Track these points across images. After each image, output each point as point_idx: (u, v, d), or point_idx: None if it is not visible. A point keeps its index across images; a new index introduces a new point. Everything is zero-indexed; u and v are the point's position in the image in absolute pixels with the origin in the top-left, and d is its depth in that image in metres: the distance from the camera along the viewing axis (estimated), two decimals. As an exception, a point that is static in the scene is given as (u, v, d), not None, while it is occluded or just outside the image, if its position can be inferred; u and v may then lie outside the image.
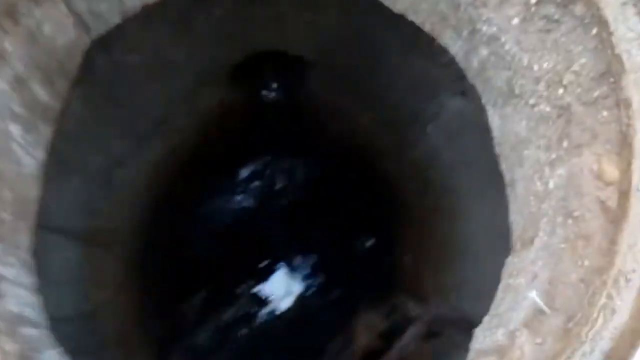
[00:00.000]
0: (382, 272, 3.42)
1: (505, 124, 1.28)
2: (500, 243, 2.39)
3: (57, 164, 1.97)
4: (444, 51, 2.11)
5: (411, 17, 1.40)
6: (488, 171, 2.31)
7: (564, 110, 1.08)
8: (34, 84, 1.48)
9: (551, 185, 1.11)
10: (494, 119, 1.34)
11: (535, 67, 1.12)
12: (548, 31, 1.08)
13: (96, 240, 2.84)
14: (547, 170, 1.13)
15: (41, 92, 1.53)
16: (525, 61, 1.15)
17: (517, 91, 1.20)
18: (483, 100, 1.37)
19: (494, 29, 1.19)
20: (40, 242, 1.75)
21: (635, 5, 0.91)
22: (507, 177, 1.34)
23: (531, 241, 1.17)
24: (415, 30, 2.09)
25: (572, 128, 1.04)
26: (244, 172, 3.81)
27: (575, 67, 1.03)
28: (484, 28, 1.21)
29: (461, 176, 2.46)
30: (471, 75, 1.37)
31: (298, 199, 3.76)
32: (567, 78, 1.04)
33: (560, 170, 1.08)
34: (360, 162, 3.27)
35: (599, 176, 0.97)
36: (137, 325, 3.22)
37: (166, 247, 3.63)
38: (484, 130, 2.25)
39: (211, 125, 3.04)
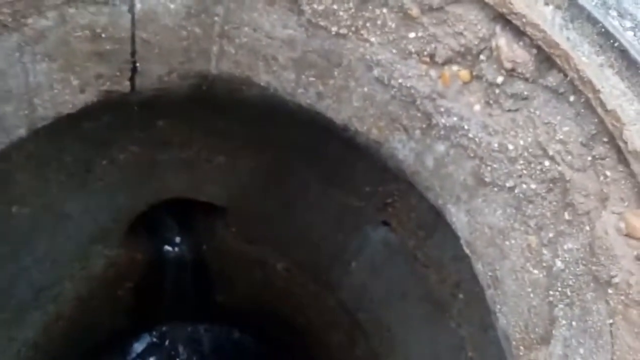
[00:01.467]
0: None
1: (475, 219, 1.16)
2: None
3: None
4: (365, 180, 2.05)
5: (356, 124, 1.31)
6: (422, 299, 2.15)
7: (555, 182, 0.99)
8: None
9: (559, 264, 0.96)
10: (459, 217, 1.22)
11: (510, 147, 1.05)
12: (517, 110, 1.04)
13: None
14: (545, 252, 0.99)
15: None
16: (494, 144, 1.08)
17: (487, 179, 1.11)
18: (440, 201, 1.25)
19: (454, 119, 1.13)
20: None
21: (611, 66, 0.90)
22: (486, 278, 1.17)
23: (544, 339, 0.97)
24: (334, 162, 2.02)
25: (573, 197, 0.94)
26: (137, 347, 3.17)
27: (560, 136, 0.97)
28: (442, 121, 1.15)
29: (393, 310, 2.25)
30: (424, 177, 1.27)
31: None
32: (553, 148, 0.98)
33: (569, 245, 0.95)
34: (276, 318, 2.91)
35: (630, 234, 0.85)
36: None
37: None
38: (411, 256, 2.13)
39: (101, 290, 2.55)
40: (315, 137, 1.91)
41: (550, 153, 0.99)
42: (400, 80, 1.17)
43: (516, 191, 1.07)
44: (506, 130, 1.07)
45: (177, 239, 2.65)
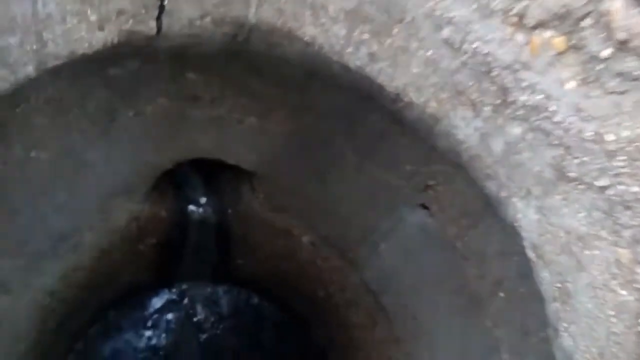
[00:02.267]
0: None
1: (548, 219, 0.95)
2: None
3: None
4: (408, 155, 1.83)
5: (411, 94, 1.09)
6: (456, 292, 1.95)
7: (667, 188, 0.77)
8: None
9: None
10: (527, 215, 1.01)
11: (609, 137, 0.82)
12: (625, 92, 0.80)
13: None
14: (638, 269, 0.78)
15: None
16: (588, 133, 0.85)
17: (572, 173, 0.88)
18: (504, 193, 1.03)
19: (538, 97, 0.90)
20: None
21: None
22: (552, 289, 0.97)
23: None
24: (376, 134, 1.81)
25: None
26: (157, 302, 3.10)
27: (679, 131, 0.74)
28: (522, 98, 0.92)
29: (423, 300, 2.06)
30: (486, 163, 1.05)
31: (222, 333, 3.08)
32: (668, 146, 0.75)
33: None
34: (296, 290, 2.77)
35: None
36: None
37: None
38: (449, 245, 1.92)
39: (122, 243, 2.44)
40: (358, 106, 1.70)
41: None
42: (475, 45, 0.94)
43: (609, 192, 0.85)
44: (607, 116, 0.84)
45: (203, 200, 2.50)
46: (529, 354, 1.57)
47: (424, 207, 1.95)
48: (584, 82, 0.85)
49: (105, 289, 2.77)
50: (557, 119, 0.90)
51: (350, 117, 1.79)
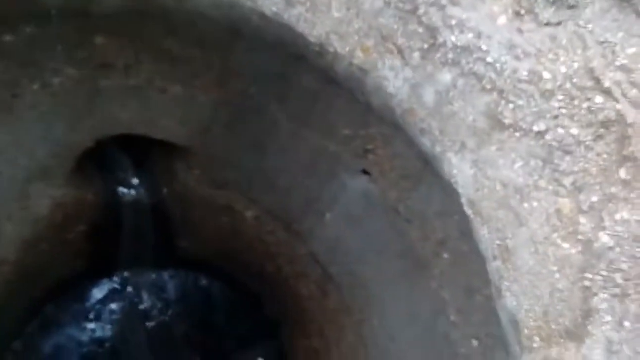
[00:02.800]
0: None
1: (484, 173, 0.86)
2: (426, 342, 1.91)
3: None
4: (344, 119, 1.72)
5: (335, 44, 0.96)
6: (401, 256, 1.89)
7: (610, 125, 0.68)
8: None
9: (605, 240, 0.68)
10: (462, 170, 0.92)
11: (546, 76, 0.73)
12: (560, 23, 0.71)
13: None
14: (584, 221, 0.70)
15: None
16: (523, 72, 0.76)
17: (507, 120, 0.80)
18: (439, 148, 0.94)
19: (468, 36, 0.80)
20: None
21: None
22: (493, 247, 0.89)
23: (578, 332, 0.70)
24: (308, 98, 1.68)
25: (636, 148, 0.64)
26: (97, 293, 2.90)
27: (622, 61, 0.66)
28: (452, 39, 0.82)
29: (370, 266, 1.99)
30: (419, 117, 0.95)
31: (170, 318, 2.93)
32: (611, 78, 0.67)
33: (624, 215, 0.66)
34: (244, 266, 2.65)
35: None
36: None
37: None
38: (392, 209, 1.84)
39: (48, 232, 2.22)
40: (285, 67, 1.56)
41: (606, 85, 0.69)
42: (397, -21, 0.82)
43: (548, 137, 0.77)
44: (542, 52, 0.75)
45: (134, 181, 2.31)
46: (474, 313, 1.52)
47: (365, 172, 1.86)
48: (517, 15, 0.76)
49: (37, 283, 2.56)
50: (489, 59, 0.81)
51: (281, 80, 1.66)
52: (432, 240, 1.72)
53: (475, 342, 1.53)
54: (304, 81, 1.59)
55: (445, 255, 1.67)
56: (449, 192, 1.26)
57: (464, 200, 0.95)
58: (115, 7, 1.30)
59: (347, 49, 0.97)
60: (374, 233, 1.95)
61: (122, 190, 2.31)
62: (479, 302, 1.50)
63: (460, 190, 0.96)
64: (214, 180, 2.26)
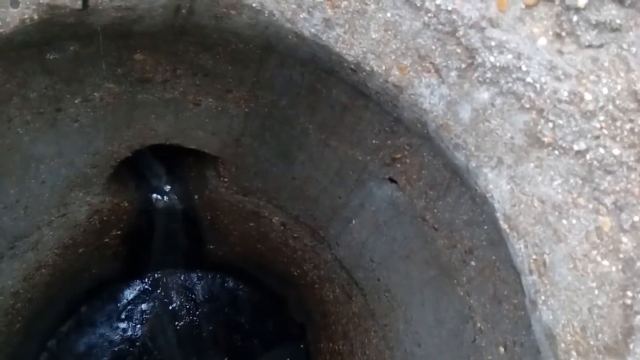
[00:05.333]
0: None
1: (521, 188, 0.85)
2: (452, 348, 1.89)
3: None
4: (372, 130, 1.73)
5: (372, 63, 0.97)
6: (428, 263, 1.88)
7: (653, 148, 0.68)
8: None
9: (649, 262, 0.67)
10: (498, 185, 0.91)
11: (587, 97, 0.73)
12: (602, 45, 0.71)
13: None
14: (625, 240, 0.70)
15: None
16: (563, 93, 0.75)
17: (546, 138, 0.79)
18: (474, 163, 0.93)
19: (508, 57, 0.80)
20: None
21: None
22: (528, 261, 0.88)
23: (618, 349, 0.69)
24: (338, 109, 1.69)
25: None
26: (128, 294, 2.95)
27: (668, 85, 0.65)
28: (490, 59, 0.81)
29: (395, 272, 1.98)
30: (455, 133, 0.95)
31: (198, 318, 2.96)
32: (656, 102, 0.66)
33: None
34: (271, 270, 2.66)
35: None
36: None
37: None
38: (419, 217, 1.84)
39: (86, 237, 2.27)
40: (318, 81, 1.57)
41: None
42: (438, 2, 0.82)
43: (588, 157, 0.76)
44: (583, 73, 0.74)
45: (167, 188, 2.35)
46: (503, 321, 1.51)
47: (392, 180, 1.86)
48: (557, 37, 0.75)
49: (73, 284, 2.61)
50: (528, 79, 0.80)
51: (311, 93, 1.66)
52: (459, 248, 1.71)
53: (502, 349, 1.52)
54: (333, 94, 1.60)
55: (473, 263, 1.66)
56: (479, 203, 1.25)
57: (499, 215, 0.94)
58: (154, 26, 1.33)
59: (384, 68, 0.97)
60: (400, 239, 1.95)
61: (155, 196, 2.35)
62: (507, 310, 1.49)
63: (496, 205, 0.95)
64: (243, 187, 2.28)
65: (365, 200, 1.95)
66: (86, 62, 1.53)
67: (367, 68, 1.00)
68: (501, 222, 0.94)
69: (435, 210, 1.76)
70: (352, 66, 1.02)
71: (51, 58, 1.47)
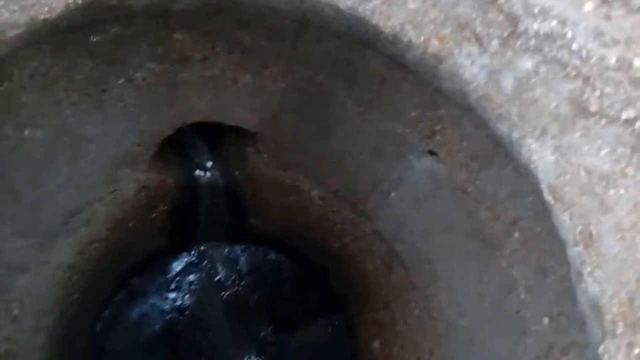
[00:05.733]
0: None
1: (567, 159, 0.84)
2: (496, 319, 1.89)
3: None
4: (411, 102, 1.71)
5: (410, 34, 0.96)
6: (470, 235, 1.87)
7: None
8: None
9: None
10: (543, 155, 0.90)
11: (637, 63, 0.70)
12: (655, 7, 0.68)
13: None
14: (678, 213, 0.68)
15: None
16: (611, 60, 0.73)
17: (593, 107, 0.77)
18: (517, 134, 0.92)
19: (552, 24, 0.78)
20: None
21: None
22: (574, 232, 0.88)
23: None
24: (376, 82, 1.68)
25: None
26: (176, 266, 3.09)
27: None
28: (534, 26, 0.80)
29: (436, 245, 1.99)
30: (497, 103, 0.93)
31: (242, 289, 3.09)
32: None
33: None
34: (311, 242, 2.72)
35: None
36: None
37: (86, 365, 2.77)
38: (460, 189, 1.82)
39: (135, 212, 2.38)
40: (355, 54, 1.56)
41: None
42: (478, -32, 0.80)
43: (637, 125, 0.74)
44: (632, 39, 0.71)
45: (209, 164, 2.42)
46: (547, 292, 1.50)
47: (432, 153, 1.84)
48: (604, 1, 0.72)
49: (124, 257, 2.76)
50: (574, 47, 0.77)
51: (348, 67, 1.66)
52: (502, 220, 1.69)
53: (546, 320, 1.52)
54: (370, 66, 1.59)
55: (516, 235, 1.64)
56: (524, 174, 1.23)
57: (543, 186, 0.93)
58: (192, 5, 1.35)
59: (422, 38, 0.96)
60: (441, 212, 1.94)
61: (198, 172, 2.43)
62: (552, 281, 1.47)
63: (540, 176, 0.93)
64: (282, 162, 2.32)
65: (404, 174, 1.95)
66: (127, 43, 1.58)
67: (405, 39, 0.99)
68: (545, 194, 0.92)
69: (477, 182, 1.74)
70: (390, 38, 1.02)
71: (94, 41, 1.53)
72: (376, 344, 2.60)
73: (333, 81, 1.75)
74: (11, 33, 1.00)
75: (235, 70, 1.83)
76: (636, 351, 0.77)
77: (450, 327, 2.05)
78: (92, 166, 2.02)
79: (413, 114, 1.73)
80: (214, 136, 2.33)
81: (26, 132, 1.66)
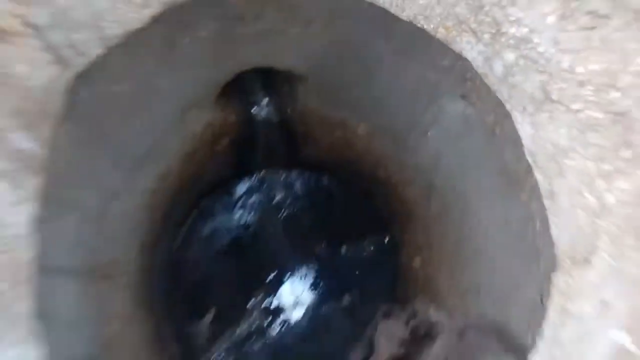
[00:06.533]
0: (392, 276, 3.25)
1: (539, 132, 1.10)
2: (516, 245, 2.22)
3: (50, 207, 1.76)
4: (443, 54, 1.93)
5: (422, 22, 1.21)
6: (497, 172, 2.15)
7: (620, 116, 0.90)
8: (12, 133, 1.26)
9: (610, 199, 0.93)
10: (524, 127, 1.16)
11: (580, 69, 0.95)
12: (593, 28, 0.90)
13: (98, 275, 2.62)
14: (600, 182, 0.96)
15: (23, 141, 1.31)
16: (564, 64, 0.97)
17: (554, 96, 1.02)
18: (508, 107, 1.19)
19: (524, 30, 1.01)
20: (41, 288, 1.53)
21: None
22: (544, 188, 1.16)
23: (587, 261, 1.00)
24: (409, 37, 1.91)
25: (634, 137, 0.86)
26: (240, 189, 3.59)
27: (633, 67, 0.86)
28: (512, 30, 1.03)
29: (468, 179, 2.28)
30: (492, 82, 1.19)
31: (298, 210, 3.56)
32: (623, 80, 0.87)
33: (622, 184, 0.91)
34: (359, 171, 3.08)
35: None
36: (151, 353, 3.00)
37: (171, 271, 3.42)
38: (489, 131, 2.08)
39: (202, 146, 2.83)
40: (388, 15, 1.80)
41: (619, 85, 0.88)
42: (468, -19, 1.02)
43: (581, 116, 0.98)
44: (578, 50, 0.94)
45: (264, 102, 2.77)
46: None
47: (464, 97, 2.08)
48: (562, 17, 0.94)
49: (196, 184, 3.27)
50: (540, 49, 1.00)
51: (383, 23, 1.89)
52: (524, 160, 1.96)
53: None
54: (404, 25, 1.82)
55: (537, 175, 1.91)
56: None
57: (526, 150, 1.20)
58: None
59: (432, 26, 1.20)
60: (472, 150, 2.20)
61: (256, 110, 2.81)
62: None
63: (524, 142, 1.20)
64: (329, 101, 2.63)
65: (439, 115, 2.21)
66: (192, 10, 1.91)
67: (419, 26, 1.24)
68: (527, 156, 1.20)
69: (504, 126, 1.99)
70: (406, 24, 1.27)
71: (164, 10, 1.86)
72: (417, 262, 3.02)
73: (371, 34, 2.00)
74: (113, 42, 1.35)
75: (283, 24, 2.11)
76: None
77: (478, 248, 2.41)
78: (166, 110, 2.44)
79: (445, 63, 1.96)
80: (269, 79, 2.66)
81: (114, 87, 2.08)
